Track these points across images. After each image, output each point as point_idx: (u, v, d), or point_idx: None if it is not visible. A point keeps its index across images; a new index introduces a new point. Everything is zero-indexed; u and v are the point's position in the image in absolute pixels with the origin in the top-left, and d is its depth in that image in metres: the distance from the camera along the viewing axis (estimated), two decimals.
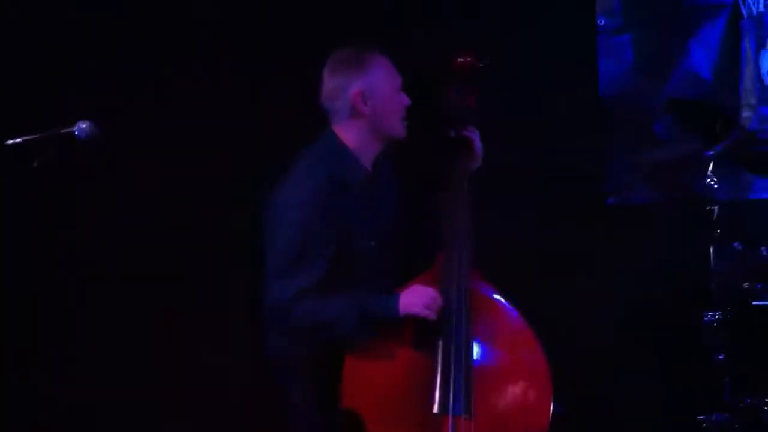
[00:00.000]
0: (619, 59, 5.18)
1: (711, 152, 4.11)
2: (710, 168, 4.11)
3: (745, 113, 4.95)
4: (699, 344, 4.14)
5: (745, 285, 4.12)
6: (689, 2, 5.06)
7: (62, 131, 3.41)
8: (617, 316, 4.71)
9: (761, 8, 4.94)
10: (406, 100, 3.53)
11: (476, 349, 3.34)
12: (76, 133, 3.40)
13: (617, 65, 5.17)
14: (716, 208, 4.06)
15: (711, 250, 4.07)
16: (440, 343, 3.33)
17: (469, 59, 3.67)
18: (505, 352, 3.40)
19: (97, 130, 3.43)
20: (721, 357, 4.08)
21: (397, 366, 3.36)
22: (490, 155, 3.63)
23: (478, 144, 3.62)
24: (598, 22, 5.22)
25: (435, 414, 3.26)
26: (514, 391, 3.37)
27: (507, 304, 3.46)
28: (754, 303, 4.05)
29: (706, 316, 4.06)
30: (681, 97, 4.81)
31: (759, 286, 4.12)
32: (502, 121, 4.81)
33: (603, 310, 4.67)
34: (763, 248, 3.98)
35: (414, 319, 3.34)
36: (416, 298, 3.35)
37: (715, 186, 4.08)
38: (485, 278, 3.48)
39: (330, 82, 3.50)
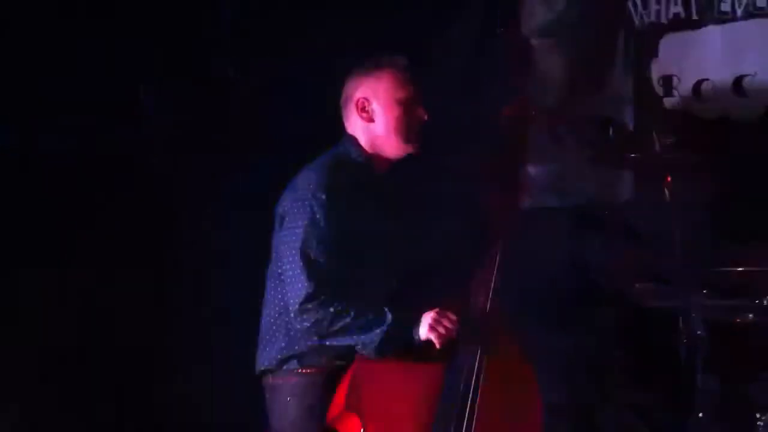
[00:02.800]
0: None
1: (604, 157, 4.23)
2: (604, 172, 4.23)
3: (637, 120, 5.12)
4: (596, 343, 4.27)
5: (638, 286, 4.27)
6: (584, 11, 5.18)
7: None
8: (518, 315, 4.80)
9: (652, 19, 5.12)
10: (414, 114, 3.58)
11: (481, 401, 3.33)
12: None
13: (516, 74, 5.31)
14: (609, 211, 4.19)
15: (605, 252, 4.19)
16: (453, 369, 3.35)
17: (526, 106, 3.79)
18: (511, 402, 3.42)
19: None
20: (616, 355, 4.22)
21: (404, 383, 3.39)
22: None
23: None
24: (498, 31, 5.35)
25: None
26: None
27: (518, 344, 3.50)
28: (645, 302, 4.19)
29: (603, 316, 4.19)
30: (573, 105, 4.94)
31: (653, 287, 4.28)
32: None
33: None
34: (653, 249, 4.11)
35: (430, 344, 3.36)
36: (438, 324, 3.35)
37: (609, 189, 4.20)
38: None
39: (345, 87, 3.66)
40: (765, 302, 4.20)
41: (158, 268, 4.74)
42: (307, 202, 3.43)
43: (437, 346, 3.35)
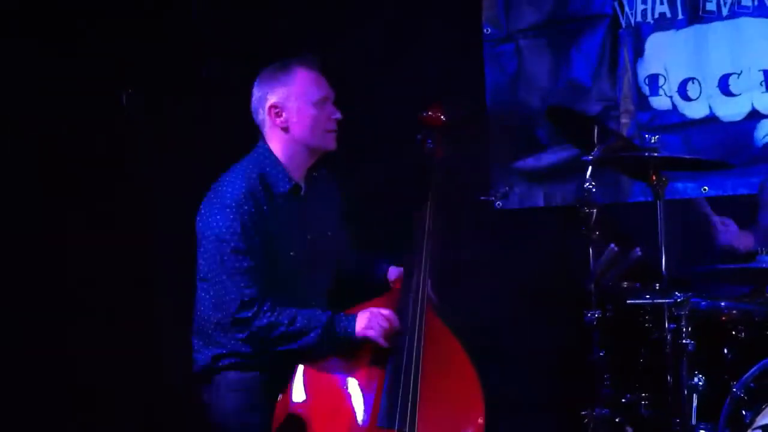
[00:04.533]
0: (503, 68, 5.34)
1: (589, 158, 4.23)
2: (588, 173, 4.22)
3: (623, 119, 5.14)
4: (581, 342, 4.27)
5: (624, 285, 4.27)
6: (571, 13, 5.23)
7: None
8: (502, 315, 4.84)
9: (639, 19, 5.12)
10: (329, 113, 3.57)
11: (424, 371, 3.47)
12: None
13: (501, 74, 5.33)
14: (594, 211, 4.18)
15: (590, 251, 4.19)
16: (391, 360, 3.45)
17: (436, 114, 3.90)
18: (449, 377, 3.54)
19: None
20: (601, 354, 4.22)
21: (346, 377, 3.47)
22: (376, 162, 3.75)
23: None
24: (484, 31, 5.38)
25: (378, 426, 3.37)
26: (454, 415, 3.50)
27: (451, 332, 3.64)
28: (629, 302, 4.19)
29: (587, 315, 4.19)
30: (559, 105, 4.95)
31: (637, 286, 4.29)
32: (389, 127, 4.94)
33: (488, 310, 4.79)
34: (637, 249, 4.12)
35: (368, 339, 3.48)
36: (374, 322, 3.47)
37: (593, 190, 4.19)
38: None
39: (253, 96, 3.60)
40: (752, 300, 4.22)
41: (143, 270, 4.75)
42: (231, 213, 3.43)
43: (375, 341, 3.46)
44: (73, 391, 4.60)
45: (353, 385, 3.46)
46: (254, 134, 3.69)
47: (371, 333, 3.45)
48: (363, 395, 3.43)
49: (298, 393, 3.43)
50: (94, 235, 4.64)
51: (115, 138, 4.61)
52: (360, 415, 3.41)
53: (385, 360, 3.46)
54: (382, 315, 3.48)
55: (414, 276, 3.61)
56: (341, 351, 3.46)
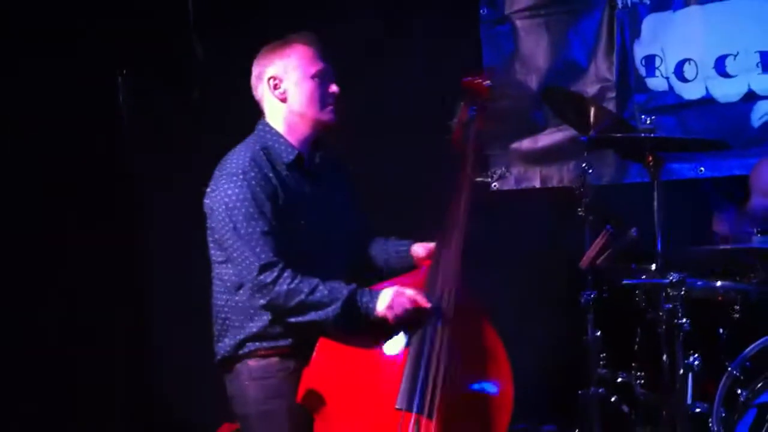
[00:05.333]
0: (500, 49, 5.35)
1: (585, 138, 4.24)
2: (585, 154, 4.24)
3: (620, 101, 5.15)
4: (577, 322, 4.29)
5: (619, 265, 4.28)
6: None
7: None
8: (498, 296, 4.83)
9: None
10: (327, 87, 3.52)
11: (450, 356, 3.29)
12: None
13: (498, 55, 5.34)
14: (590, 192, 4.20)
15: (586, 232, 4.21)
16: (415, 342, 3.31)
17: (478, 80, 3.64)
18: (477, 366, 3.40)
19: None
20: (597, 334, 4.24)
21: (368, 356, 3.35)
22: (376, 146, 3.68)
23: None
24: (481, 11, 5.39)
25: (397, 408, 3.26)
26: (478, 404, 3.38)
27: (486, 318, 3.46)
28: (625, 282, 4.21)
29: (582, 296, 4.21)
30: (556, 86, 4.95)
31: (633, 266, 4.30)
32: (387, 114, 4.95)
33: (484, 291, 4.79)
34: (633, 230, 4.13)
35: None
36: (396, 302, 3.33)
37: (590, 171, 4.21)
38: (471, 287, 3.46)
39: (253, 72, 3.57)
40: (746, 280, 4.24)
41: (133, 265, 4.76)
42: (239, 180, 3.38)
43: (391, 322, 3.32)
44: (60, 391, 4.61)
45: (374, 363, 3.34)
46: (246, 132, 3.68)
47: (392, 313, 3.32)
48: (383, 375, 3.31)
49: (317, 368, 3.33)
50: (84, 235, 4.66)
51: (107, 132, 4.59)
52: (378, 395, 3.29)
53: (410, 340, 3.32)
54: (407, 296, 3.35)
55: (448, 251, 3.43)
56: (363, 326, 3.33)
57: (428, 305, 3.34)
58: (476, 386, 3.40)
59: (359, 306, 3.33)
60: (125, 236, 4.75)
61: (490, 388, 3.41)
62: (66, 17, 4.66)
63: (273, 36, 3.59)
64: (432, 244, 3.56)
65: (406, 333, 3.34)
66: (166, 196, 4.84)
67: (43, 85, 4.58)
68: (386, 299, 3.33)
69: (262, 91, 3.56)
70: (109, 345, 4.71)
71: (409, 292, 3.35)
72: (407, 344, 3.33)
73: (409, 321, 3.33)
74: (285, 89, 3.52)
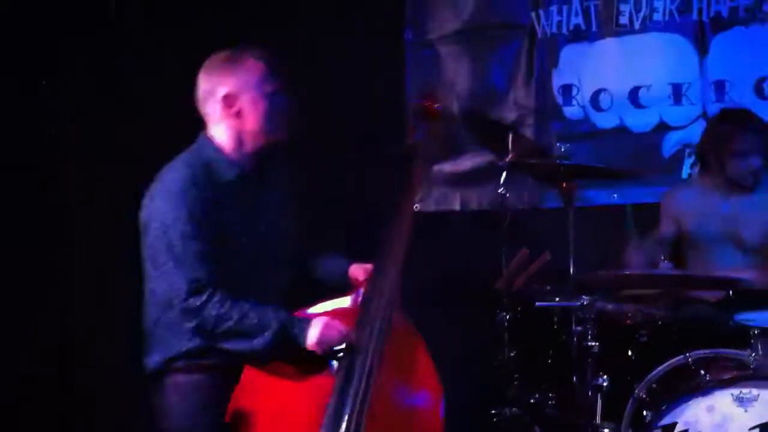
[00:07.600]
0: (425, 72, 5.44)
1: (503, 163, 4.34)
2: (503, 178, 4.33)
3: (538, 127, 5.28)
4: (492, 343, 4.37)
5: (534, 287, 4.39)
6: (490, 21, 5.37)
7: None
8: (416, 316, 4.90)
9: (554, 30, 5.27)
10: (282, 103, 3.49)
11: (377, 392, 3.25)
12: None
13: (423, 78, 5.43)
14: (508, 215, 4.30)
15: (503, 254, 4.30)
16: (341, 375, 3.27)
17: (428, 102, 3.65)
18: (407, 393, 3.40)
19: None
20: (511, 354, 4.33)
21: (297, 379, 3.32)
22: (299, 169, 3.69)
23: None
24: (406, 35, 5.48)
25: None
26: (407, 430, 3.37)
27: (420, 344, 3.46)
28: (538, 304, 4.31)
29: (498, 316, 4.30)
30: (474, 111, 5.06)
31: (547, 288, 4.41)
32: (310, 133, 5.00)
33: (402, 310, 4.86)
34: (546, 253, 4.24)
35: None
36: (326, 337, 3.30)
37: (507, 195, 4.31)
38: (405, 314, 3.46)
39: (201, 86, 3.51)
40: (654, 305, 4.36)
41: (62, 269, 4.74)
42: (177, 199, 3.33)
43: (318, 353, 3.30)
44: None
45: (302, 388, 3.31)
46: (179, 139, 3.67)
47: (320, 348, 3.29)
48: (311, 400, 3.27)
49: (246, 389, 3.29)
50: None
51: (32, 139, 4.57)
52: (305, 422, 3.25)
53: (338, 370, 3.28)
54: (337, 330, 3.32)
55: (384, 277, 3.40)
56: (291, 353, 3.30)
57: (358, 344, 3.29)
58: (405, 414, 3.39)
59: (289, 337, 3.30)
60: (49, 244, 4.72)
61: (420, 416, 3.41)
62: None
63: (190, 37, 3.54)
64: (370, 266, 3.54)
65: (335, 360, 3.31)
66: (93, 204, 4.81)
67: None
68: (316, 333, 3.30)
69: (212, 107, 3.50)
70: (33, 357, 4.69)
71: (340, 327, 3.32)
72: (335, 372, 3.30)
73: (338, 352, 3.31)
74: (240, 108, 3.47)
